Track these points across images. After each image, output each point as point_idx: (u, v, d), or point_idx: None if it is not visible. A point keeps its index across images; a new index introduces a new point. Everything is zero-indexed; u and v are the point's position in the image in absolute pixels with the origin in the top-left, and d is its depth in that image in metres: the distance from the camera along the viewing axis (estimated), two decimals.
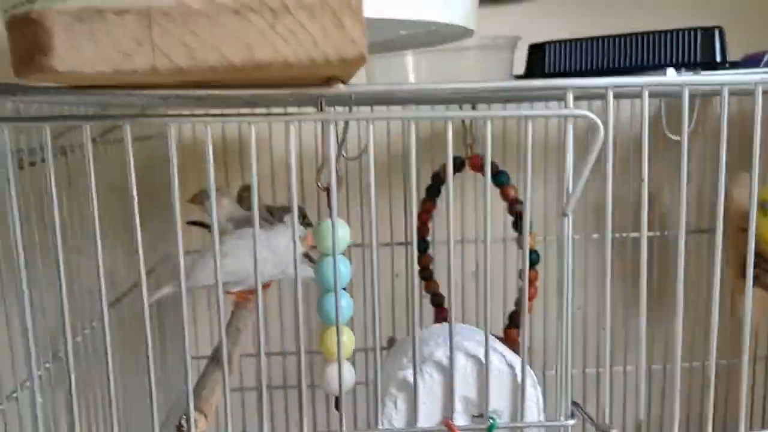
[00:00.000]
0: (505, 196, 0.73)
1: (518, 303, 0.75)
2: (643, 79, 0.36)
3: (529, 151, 0.37)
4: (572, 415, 0.39)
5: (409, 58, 0.70)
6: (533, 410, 0.40)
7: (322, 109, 0.38)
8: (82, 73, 0.26)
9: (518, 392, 0.39)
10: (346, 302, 0.40)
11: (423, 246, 0.84)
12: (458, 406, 0.40)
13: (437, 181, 0.79)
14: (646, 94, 0.37)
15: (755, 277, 0.85)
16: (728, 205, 0.89)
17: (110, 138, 0.61)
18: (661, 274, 0.85)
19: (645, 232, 0.38)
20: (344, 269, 0.40)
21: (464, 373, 0.40)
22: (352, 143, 0.75)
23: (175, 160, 0.35)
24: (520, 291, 0.76)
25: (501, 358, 0.40)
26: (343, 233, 0.40)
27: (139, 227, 0.64)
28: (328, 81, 0.36)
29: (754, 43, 0.73)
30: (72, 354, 0.40)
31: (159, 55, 0.26)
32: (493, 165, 0.74)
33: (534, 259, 0.73)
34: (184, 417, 0.38)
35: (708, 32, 0.66)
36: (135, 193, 0.35)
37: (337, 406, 0.41)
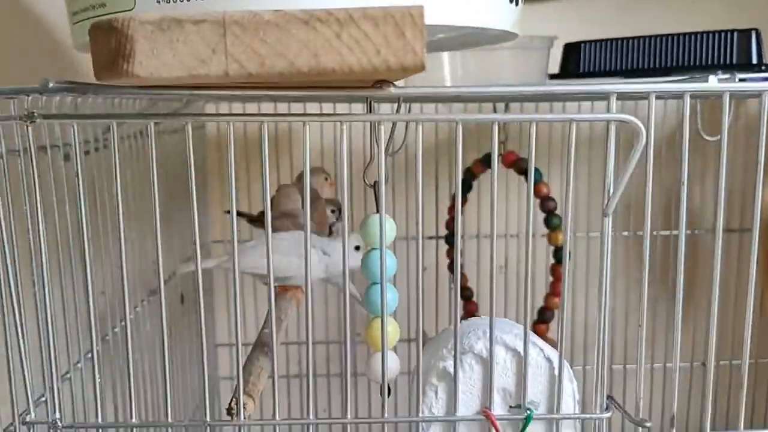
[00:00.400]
0: (537, 192, 0.75)
1: (547, 299, 0.76)
2: (685, 85, 0.37)
3: (573, 152, 0.38)
4: (607, 409, 0.41)
5: (445, 57, 0.71)
6: (569, 403, 0.42)
7: (371, 110, 0.40)
8: (160, 77, 0.28)
9: (555, 385, 0.41)
10: (392, 294, 0.42)
11: (452, 240, 0.85)
12: (496, 397, 0.41)
13: (468, 176, 0.80)
14: (687, 99, 0.38)
15: None
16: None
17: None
18: (689, 272, 0.86)
19: (683, 239, 0.40)
20: (390, 262, 0.41)
21: (503, 365, 0.41)
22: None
23: (233, 157, 0.37)
24: (551, 287, 0.78)
25: (539, 351, 0.41)
26: (390, 228, 0.41)
27: (173, 217, 0.66)
28: (379, 82, 0.37)
29: None
30: (126, 335, 0.42)
31: (231, 61, 0.28)
32: (525, 162, 0.75)
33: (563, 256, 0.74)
34: (234, 400, 0.40)
35: (744, 34, 0.67)
36: (194, 190, 0.37)
37: (387, 393, 0.43)
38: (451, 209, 0.84)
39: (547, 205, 0.74)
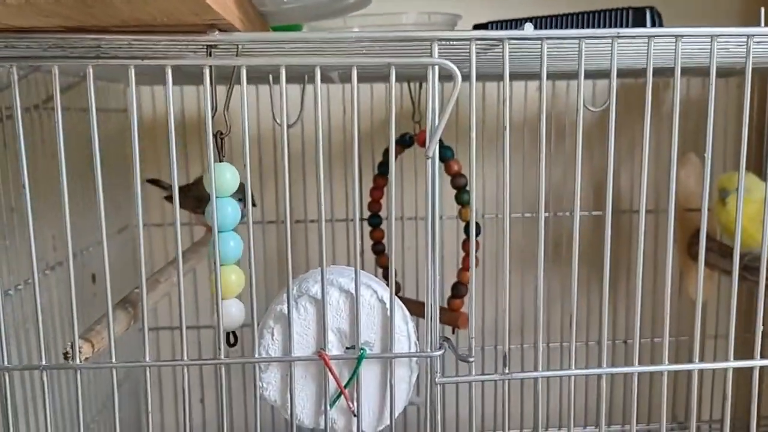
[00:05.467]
0: (448, 170, 0.76)
1: (459, 273, 0.77)
2: (503, 32, 0.39)
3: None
4: (440, 348, 0.41)
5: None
6: (403, 342, 0.42)
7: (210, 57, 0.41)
8: None
9: (388, 325, 0.41)
10: (234, 242, 0.42)
11: (375, 221, 0.86)
12: (333, 338, 0.42)
13: (386, 157, 0.81)
14: (506, 47, 0.39)
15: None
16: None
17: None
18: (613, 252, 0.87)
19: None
20: (232, 211, 0.42)
21: (337, 307, 0.42)
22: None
23: (59, 104, 0.38)
24: (462, 261, 0.78)
25: (372, 293, 0.42)
26: (231, 176, 0.42)
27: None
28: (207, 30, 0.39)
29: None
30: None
31: None
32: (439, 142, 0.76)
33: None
34: (70, 344, 0.41)
35: (640, 11, 0.68)
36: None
37: (230, 343, 0.44)
38: (373, 191, 0.85)
39: (457, 181, 0.75)
